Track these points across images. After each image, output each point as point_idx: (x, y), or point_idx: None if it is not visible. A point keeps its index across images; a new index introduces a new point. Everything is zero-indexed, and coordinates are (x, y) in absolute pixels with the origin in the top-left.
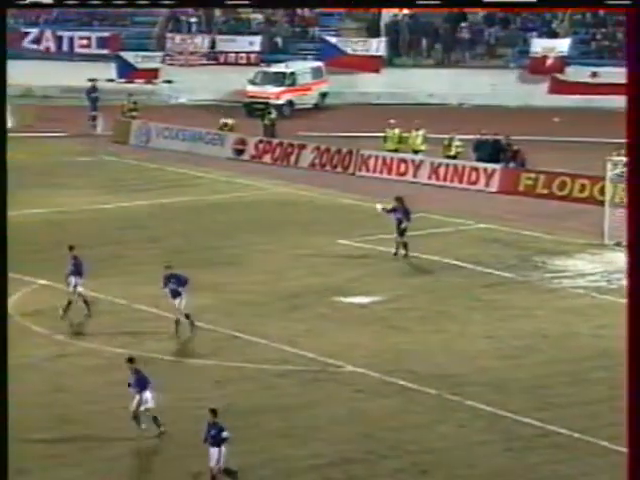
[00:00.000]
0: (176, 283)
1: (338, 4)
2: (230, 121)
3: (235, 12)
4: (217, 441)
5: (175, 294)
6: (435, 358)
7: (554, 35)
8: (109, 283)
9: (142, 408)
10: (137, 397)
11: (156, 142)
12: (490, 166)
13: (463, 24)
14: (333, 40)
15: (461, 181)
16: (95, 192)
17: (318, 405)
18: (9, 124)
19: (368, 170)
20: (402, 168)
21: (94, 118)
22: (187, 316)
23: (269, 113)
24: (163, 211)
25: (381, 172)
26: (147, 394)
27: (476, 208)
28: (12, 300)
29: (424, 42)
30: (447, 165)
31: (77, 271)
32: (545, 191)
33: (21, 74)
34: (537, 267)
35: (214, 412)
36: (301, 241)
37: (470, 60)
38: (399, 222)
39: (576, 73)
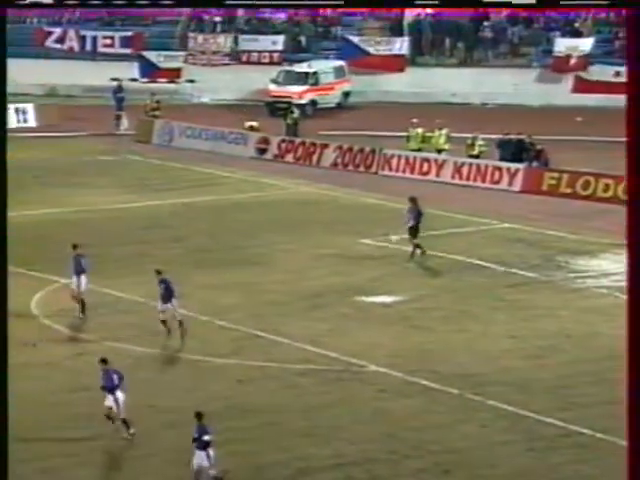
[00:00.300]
0: (165, 288)
1: (337, 4)
2: (255, 124)
3: (258, 11)
4: (202, 444)
5: (166, 299)
6: (458, 358)
7: (577, 34)
8: (132, 282)
9: (115, 409)
10: (110, 397)
11: (179, 141)
12: (513, 165)
13: (486, 23)
14: (356, 40)
15: (484, 180)
16: (119, 191)
17: (341, 405)
18: (33, 123)
19: (391, 169)
20: (425, 167)
21: (119, 117)
22: (180, 323)
23: (291, 112)
24: (186, 210)
25: (404, 171)
26: (119, 394)
27: (499, 208)
28: (35, 299)
29: (447, 41)
30: (470, 164)
31: (81, 270)
32: (569, 190)
33: (45, 73)
34: (560, 267)
35: (199, 416)
36: (324, 241)
37: (493, 59)
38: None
39: (599, 72)
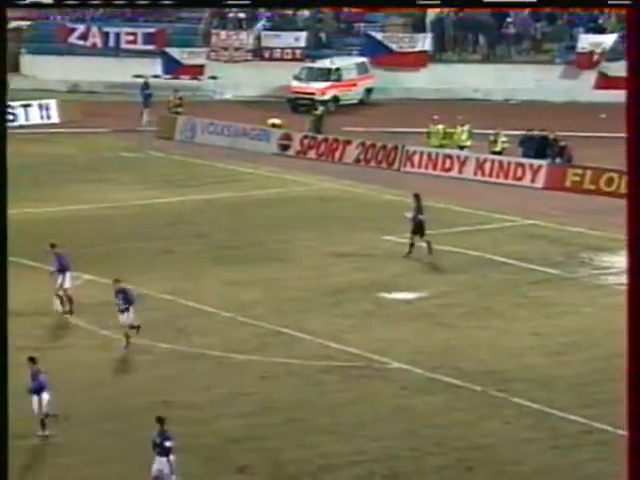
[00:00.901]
0: (123, 299)
1: (337, 4)
2: (278, 121)
3: (280, 8)
4: (164, 450)
5: (123, 310)
6: (481, 355)
7: (601, 31)
8: (156, 278)
9: (37, 409)
10: (35, 398)
11: (201, 138)
12: (536, 162)
13: (509, 19)
14: (379, 36)
15: (507, 177)
16: (141, 188)
17: (363, 401)
18: (56, 119)
19: (413, 166)
20: (447, 164)
21: (146, 114)
22: (134, 327)
23: (315, 109)
24: (209, 207)
25: (426, 168)
26: (44, 395)
27: (522, 204)
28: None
29: (469, 37)
30: (493, 161)
31: (62, 269)
32: (592, 187)
33: (67, 70)
34: (584, 264)
35: (161, 420)
36: (346, 237)
37: (516, 55)
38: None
39: (623, 68)
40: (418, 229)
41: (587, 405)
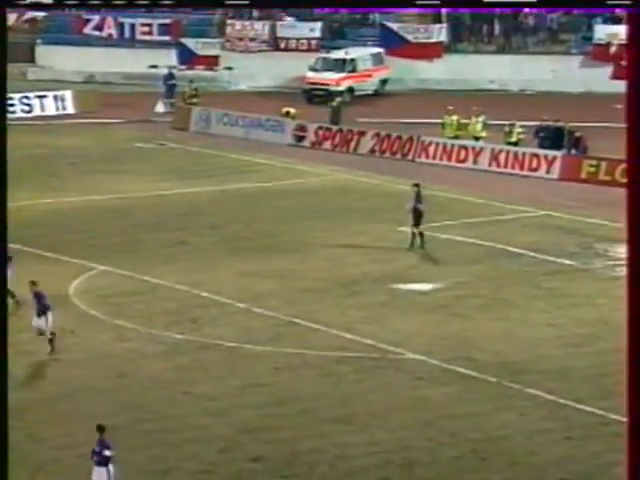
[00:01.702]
0: (40, 303)
1: (337, 4)
2: (292, 110)
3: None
4: (103, 460)
5: (40, 312)
6: (496, 346)
7: (618, 21)
8: (171, 269)
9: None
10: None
11: (216, 129)
12: (551, 153)
13: (525, 10)
14: (394, 27)
15: (522, 168)
16: (157, 178)
17: (377, 392)
18: (71, 110)
19: (428, 157)
20: (462, 155)
21: (171, 105)
22: (51, 335)
23: (331, 100)
24: (224, 197)
25: (441, 159)
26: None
27: (537, 195)
28: (73, 286)
29: (485, 28)
30: (508, 152)
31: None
32: (607, 178)
33: (83, 61)
34: (599, 255)
35: (101, 429)
36: (360, 228)
37: (532, 46)
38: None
39: None
40: (417, 219)
41: (602, 396)
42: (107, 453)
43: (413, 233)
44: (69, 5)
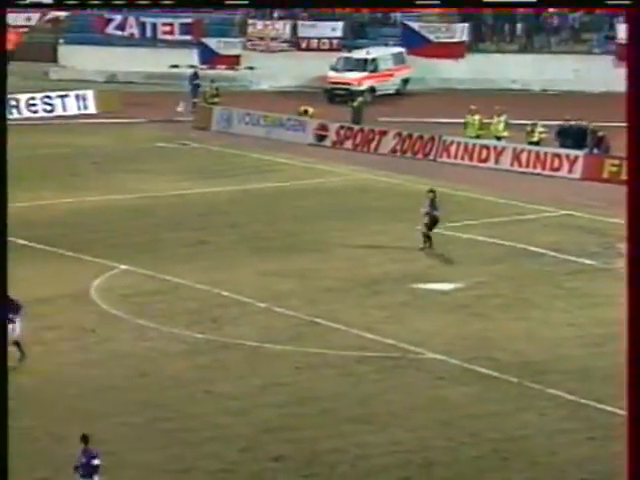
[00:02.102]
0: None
1: (337, 4)
2: (310, 108)
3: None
4: (88, 470)
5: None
6: (516, 346)
7: None
8: (191, 269)
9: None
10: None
11: (237, 128)
12: (573, 152)
13: (549, 9)
14: (415, 26)
15: (544, 168)
16: (178, 178)
17: (398, 392)
18: (93, 110)
19: (449, 156)
20: (484, 154)
21: (194, 105)
22: (17, 344)
23: (352, 100)
24: (245, 197)
25: (462, 158)
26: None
27: (559, 195)
28: (94, 285)
29: (507, 27)
30: (529, 151)
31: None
32: None
33: (105, 60)
34: (620, 254)
35: (85, 438)
36: (381, 228)
37: (554, 45)
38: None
39: None
40: (431, 225)
41: (623, 396)
42: (96, 462)
43: (424, 234)
44: (69, 5)
